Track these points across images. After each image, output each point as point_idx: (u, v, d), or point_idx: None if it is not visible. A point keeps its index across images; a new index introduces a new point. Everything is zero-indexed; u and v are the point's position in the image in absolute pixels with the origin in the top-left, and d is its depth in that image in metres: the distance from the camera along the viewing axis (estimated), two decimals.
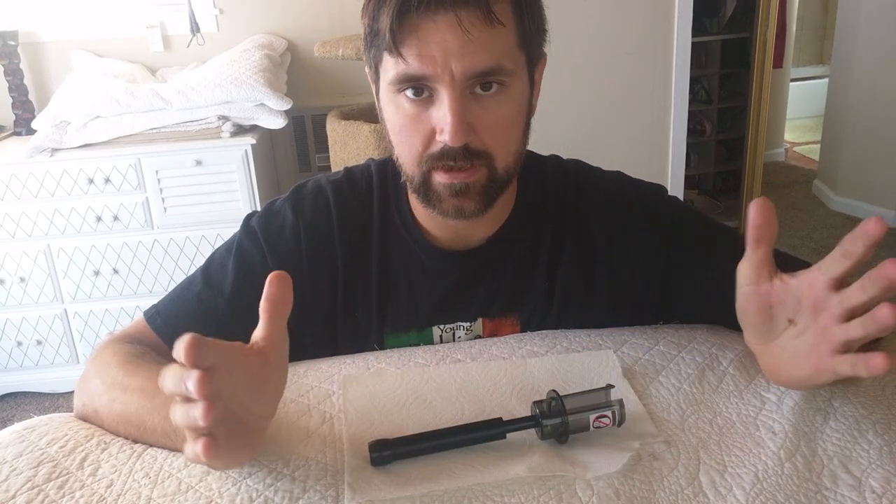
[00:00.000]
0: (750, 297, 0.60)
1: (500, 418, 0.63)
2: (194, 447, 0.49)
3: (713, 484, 0.57)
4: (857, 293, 0.52)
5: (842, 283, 0.54)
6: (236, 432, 0.53)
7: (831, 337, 0.54)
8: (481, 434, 0.62)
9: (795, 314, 0.58)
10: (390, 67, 0.70)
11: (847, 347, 0.53)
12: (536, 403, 0.63)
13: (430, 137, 0.71)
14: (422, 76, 0.68)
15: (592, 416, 0.61)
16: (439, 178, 0.73)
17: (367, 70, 0.78)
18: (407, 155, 0.74)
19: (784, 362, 0.60)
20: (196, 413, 0.48)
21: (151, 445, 0.66)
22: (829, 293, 0.54)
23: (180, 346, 0.47)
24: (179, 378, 0.48)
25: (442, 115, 0.69)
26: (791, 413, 0.65)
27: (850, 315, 0.53)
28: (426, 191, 0.74)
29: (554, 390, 0.63)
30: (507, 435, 0.62)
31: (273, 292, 0.57)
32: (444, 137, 0.69)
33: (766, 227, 0.58)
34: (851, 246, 0.52)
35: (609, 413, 0.62)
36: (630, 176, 0.90)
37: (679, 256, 0.84)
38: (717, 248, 0.85)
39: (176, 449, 0.65)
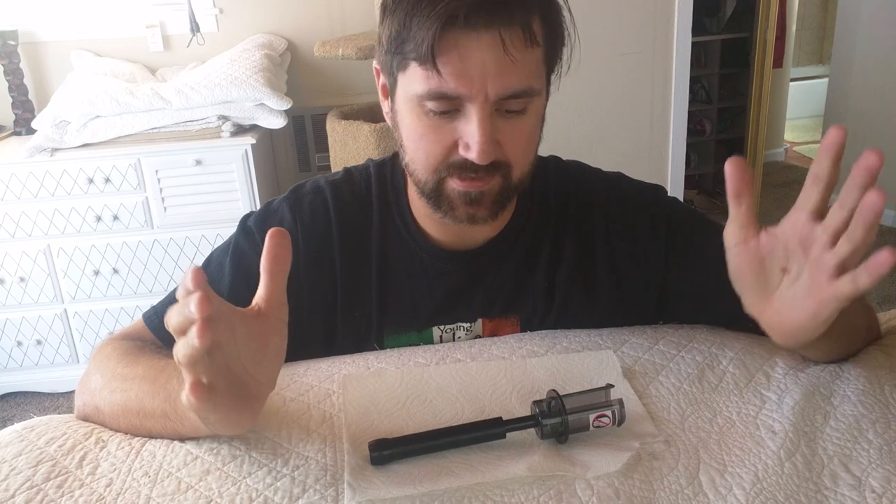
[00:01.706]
0: (741, 255, 0.59)
1: (500, 418, 0.63)
2: (187, 392, 0.50)
3: (713, 483, 0.57)
4: (837, 212, 0.52)
5: (822, 212, 0.54)
6: (236, 392, 0.54)
7: (825, 264, 0.53)
8: (481, 434, 0.62)
9: (787, 260, 0.57)
10: (419, 79, 0.68)
11: (842, 269, 0.52)
12: (536, 403, 0.63)
13: (452, 148, 0.71)
14: (456, 95, 0.67)
15: (592, 416, 0.61)
16: (454, 185, 0.73)
17: (377, 71, 0.77)
18: (423, 161, 0.73)
19: (786, 312, 0.58)
20: (193, 333, 0.48)
21: (149, 436, 0.67)
22: (813, 226, 0.54)
23: (187, 274, 0.48)
24: (183, 305, 0.49)
25: (470, 132, 0.68)
26: (791, 412, 0.64)
27: (837, 238, 0.52)
28: (438, 196, 0.74)
29: (554, 390, 0.63)
30: (507, 435, 0.62)
31: (272, 246, 0.56)
32: (472, 155, 0.69)
33: (743, 183, 0.56)
34: (817, 167, 0.52)
35: (609, 412, 0.62)
36: (629, 177, 0.90)
37: (678, 256, 0.84)
38: (716, 248, 0.85)
39: (174, 432, 0.65)
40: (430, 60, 0.66)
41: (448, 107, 0.68)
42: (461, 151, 0.70)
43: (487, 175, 0.71)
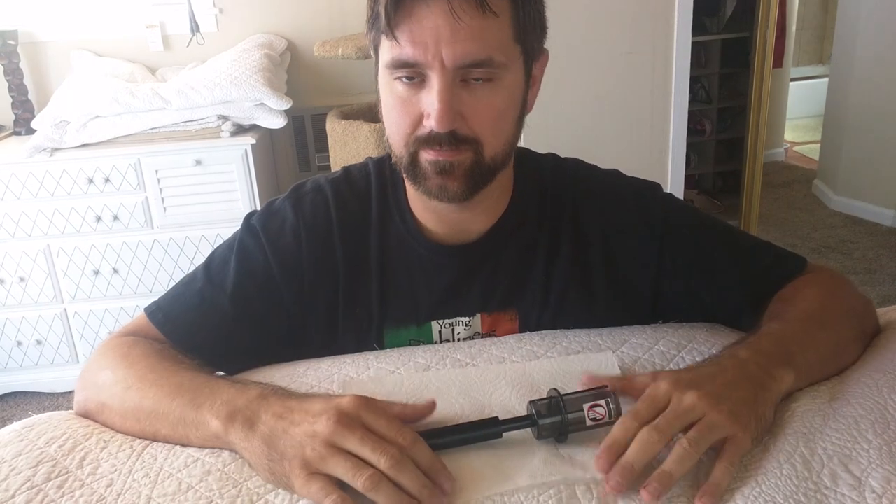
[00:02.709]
0: None
1: (496, 417, 0.63)
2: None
3: None
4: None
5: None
6: None
7: None
8: (477, 434, 0.62)
9: None
10: (386, 51, 0.71)
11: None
12: (532, 403, 0.63)
13: (419, 120, 0.72)
14: (414, 62, 0.69)
15: (586, 407, 0.61)
16: (426, 156, 0.74)
17: (371, 54, 0.79)
18: (396, 136, 0.75)
19: None
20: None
21: (154, 438, 0.67)
22: None
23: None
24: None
25: (430, 100, 0.70)
26: (790, 415, 0.64)
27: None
28: (413, 169, 0.75)
29: (555, 388, 0.63)
30: (506, 435, 0.62)
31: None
32: (431, 123, 0.70)
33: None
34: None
35: (602, 403, 0.61)
36: (625, 174, 0.90)
37: (674, 253, 0.84)
38: (713, 245, 0.85)
39: (182, 438, 0.65)
40: (388, 30, 0.69)
41: (412, 74, 0.70)
42: (424, 122, 0.72)
43: (452, 148, 0.72)
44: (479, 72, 0.70)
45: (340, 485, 0.56)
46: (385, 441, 0.57)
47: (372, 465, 0.55)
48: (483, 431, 0.62)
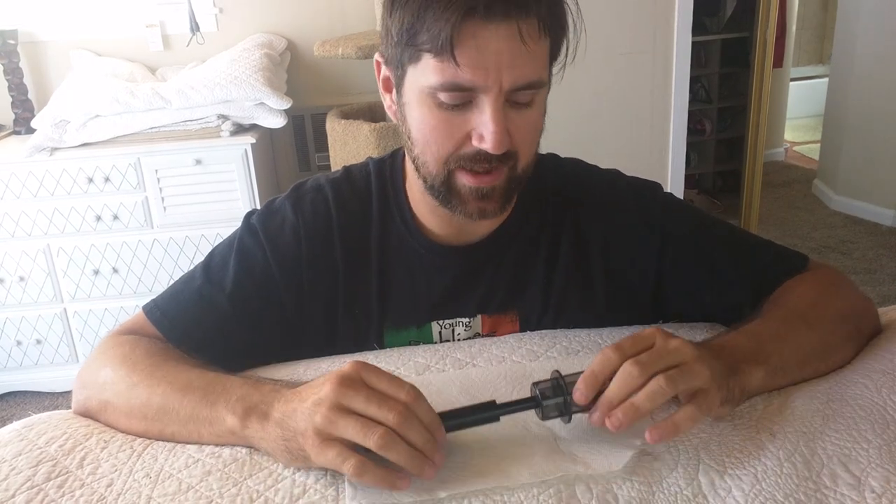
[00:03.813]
0: None
1: (494, 401, 0.62)
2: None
3: (712, 485, 0.57)
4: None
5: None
6: None
7: None
8: (476, 417, 0.62)
9: None
10: (433, 71, 0.67)
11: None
12: (536, 384, 0.63)
13: (464, 140, 0.71)
14: (472, 87, 0.67)
15: None
16: (464, 181, 0.73)
17: (379, 64, 0.77)
18: (434, 154, 0.73)
19: None
20: (425, 470, 0.57)
21: (159, 436, 0.67)
22: None
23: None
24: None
25: (484, 122, 0.68)
26: (791, 414, 0.65)
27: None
28: (448, 191, 0.74)
29: (557, 371, 0.63)
30: (506, 430, 0.62)
31: None
32: (486, 146, 0.69)
33: None
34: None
35: None
36: (625, 174, 0.90)
37: (674, 252, 0.84)
38: (713, 244, 0.85)
39: (192, 435, 0.66)
40: (447, 51, 0.65)
41: (461, 99, 0.69)
42: (475, 142, 0.70)
43: (499, 165, 0.72)
44: (527, 94, 0.69)
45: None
46: (389, 398, 0.57)
47: (380, 423, 0.56)
48: (482, 415, 0.62)
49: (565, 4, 0.72)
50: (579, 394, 0.59)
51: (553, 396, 0.61)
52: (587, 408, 0.61)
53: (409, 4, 0.67)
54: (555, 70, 0.75)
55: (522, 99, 0.70)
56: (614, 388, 0.58)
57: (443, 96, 0.69)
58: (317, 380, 0.61)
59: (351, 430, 0.56)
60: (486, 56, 0.66)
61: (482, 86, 0.67)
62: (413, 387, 0.59)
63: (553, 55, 0.73)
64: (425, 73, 0.69)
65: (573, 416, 0.62)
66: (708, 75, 4.03)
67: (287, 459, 0.60)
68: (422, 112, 0.71)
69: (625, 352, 0.60)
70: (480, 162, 0.71)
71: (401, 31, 0.69)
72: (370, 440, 0.55)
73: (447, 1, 0.64)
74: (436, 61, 0.67)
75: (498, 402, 0.62)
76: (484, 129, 0.68)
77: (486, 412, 0.62)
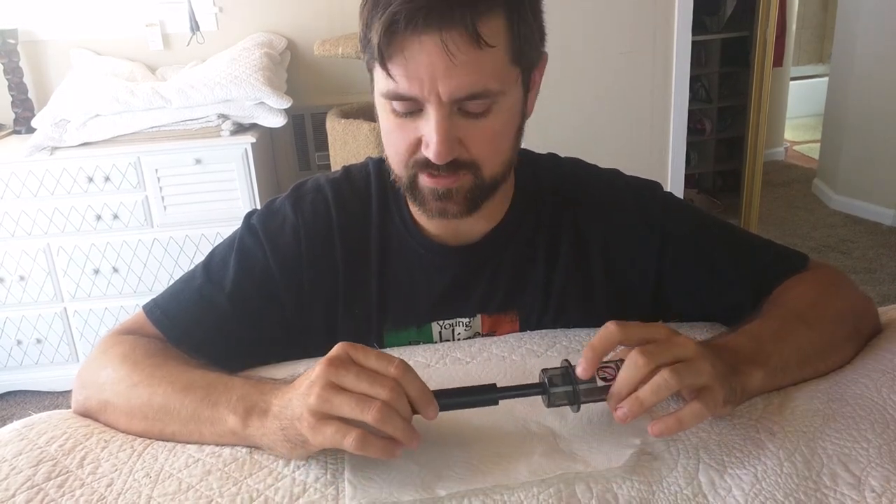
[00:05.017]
0: None
1: (494, 384, 0.62)
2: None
3: (712, 484, 0.57)
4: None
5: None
6: None
7: None
8: (475, 398, 0.62)
9: None
10: (381, 79, 0.70)
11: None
12: (544, 371, 0.63)
13: (417, 145, 0.72)
14: (410, 97, 0.68)
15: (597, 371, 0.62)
16: (424, 182, 0.74)
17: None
18: (394, 157, 0.75)
19: None
20: (409, 437, 0.57)
21: (160, 436, 0.67)
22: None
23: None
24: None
25: (428, 131, 0.69)
26: (791, 414, 0.65)
27: None
28: (412, 191, 0.76)
29: (566, 360, 0.63)
30: (506, 427, 0.62)
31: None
32: (430, 154, 0.69)
33: None
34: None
35: (612, 365, 0.62)
36: (625, 174, 0.90)
37: (674, 252, 0.84)
38: (713, 244, 0.85)
39: (193, 434, 0.66)
40: (381, 64, 0.67)
41: (410, 108, 0.70)
42: (423, 150, 0.71)
43: (450, 173, 0.72)
44: (477, 104, 0.69)
45: None
46: (379, 374, 0.58)
47: (373, 398, 0.56)
48: (482, 396, 0.62)
49: (534, 4, 0.71)
50: (584, 372, 0.60)
51: (562, 384, 0.61)
52: (596, 399, 0.61)
53: (363, 12, 0.69)
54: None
55: (474, 108, 0.69)
56: (621, 380, 0.59)
57: (394, 104, 0.70)
58: (309, 369, 0.62)
59: (346, 407, 0.56)
60: (418, 67, 0.66)
61: (419, 97, 0.68)
62: (402, 361, 0.59)
63: (521, 59, 0.71)
64: (378, 81, 0.71)
65: (575, 411, 0.62)
66: (708, 75, 4.03)
67: (287, 449, 0.60)
68: (382, 117, 0.74)
69: (627, 329, 0.61)
70: (432, 168, 0.72)
71: (360, 36, 0.71)
72: (367, 414, 0.55)
73: (381, 11, 0.65)
74: (380, 70, 0.69)
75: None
76: (429, 139, 0.69)
77: (486, 394, 0.62)
